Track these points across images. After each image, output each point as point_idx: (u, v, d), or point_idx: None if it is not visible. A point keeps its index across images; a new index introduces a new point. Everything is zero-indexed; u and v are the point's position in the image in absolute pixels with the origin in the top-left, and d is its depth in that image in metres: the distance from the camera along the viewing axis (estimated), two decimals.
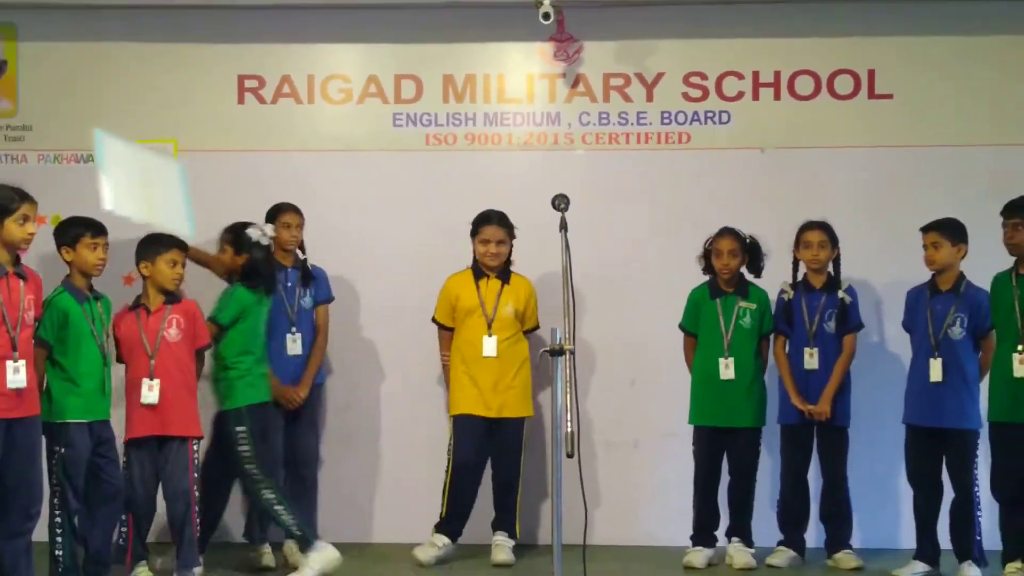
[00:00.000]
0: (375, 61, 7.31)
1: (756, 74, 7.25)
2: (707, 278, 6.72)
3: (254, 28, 7.23)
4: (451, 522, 6.65)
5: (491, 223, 6.68)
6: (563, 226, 4.36)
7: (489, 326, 6.65)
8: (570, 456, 3.92)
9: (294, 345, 6.64)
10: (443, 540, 6.62)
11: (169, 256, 5.96)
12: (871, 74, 7.21)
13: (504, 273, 6.73)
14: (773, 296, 6.70)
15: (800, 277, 6.71)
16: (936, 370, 6.21)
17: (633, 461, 7.19)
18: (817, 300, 6.61)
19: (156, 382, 5.88)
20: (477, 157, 7.30)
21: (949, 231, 6.27)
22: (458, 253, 6.81)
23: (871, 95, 7.21)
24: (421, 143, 7.30)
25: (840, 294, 6.61)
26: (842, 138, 7.20)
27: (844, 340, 6.61)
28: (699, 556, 6.61)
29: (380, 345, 7.30)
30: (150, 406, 5.90)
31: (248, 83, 7.31)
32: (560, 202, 4.49)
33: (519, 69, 7.29)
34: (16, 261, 5.35)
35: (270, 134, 7.30)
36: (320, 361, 6.76)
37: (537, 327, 6.83)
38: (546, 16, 6.68)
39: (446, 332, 6.79)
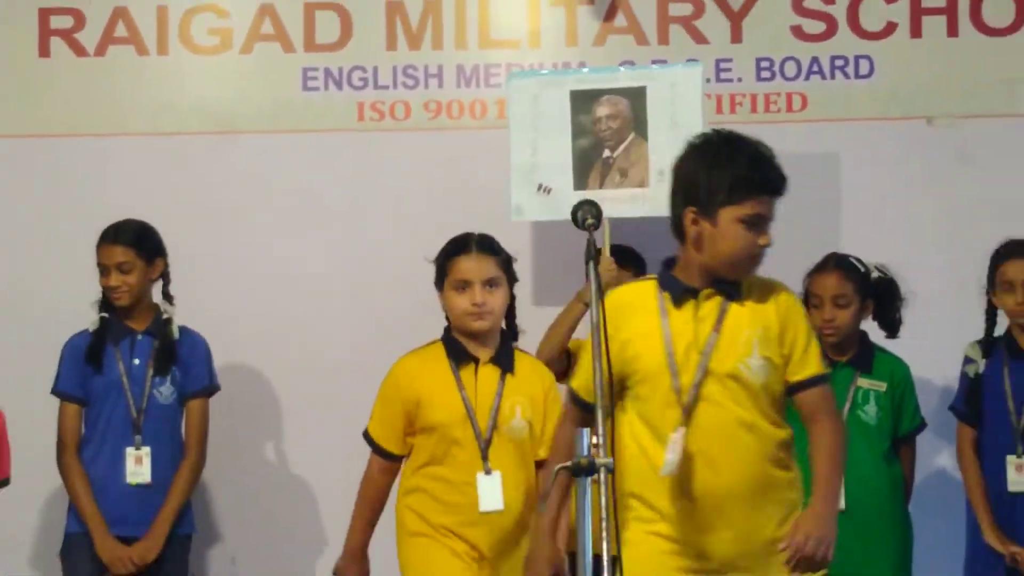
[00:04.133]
0: None
1: None
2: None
3: None
4: None
5: (468, 250, 4.35)
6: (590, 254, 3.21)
7: (484, 454, 4.19)
8: None
9: (139, 467, 5.00)
10: None
11: None
12: None
13: (503, 353, 4.28)
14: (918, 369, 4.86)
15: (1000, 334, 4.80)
16: None
17: None
18: None
19: None
20: (439, 139, 5.38)
21: None
22: (426, 301, 4.54)
23: None
24: (351, 118, 5.41)
25: None
26: None
27: None
28: None
29: (311, 461, 5.34)
30: None
31: (57, 21, 5.44)
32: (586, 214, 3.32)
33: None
34: None
35: (96, 106, 5.48)
36: (187, 493, 4.94)
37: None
38: None
39: (386, 462, 4.43)
